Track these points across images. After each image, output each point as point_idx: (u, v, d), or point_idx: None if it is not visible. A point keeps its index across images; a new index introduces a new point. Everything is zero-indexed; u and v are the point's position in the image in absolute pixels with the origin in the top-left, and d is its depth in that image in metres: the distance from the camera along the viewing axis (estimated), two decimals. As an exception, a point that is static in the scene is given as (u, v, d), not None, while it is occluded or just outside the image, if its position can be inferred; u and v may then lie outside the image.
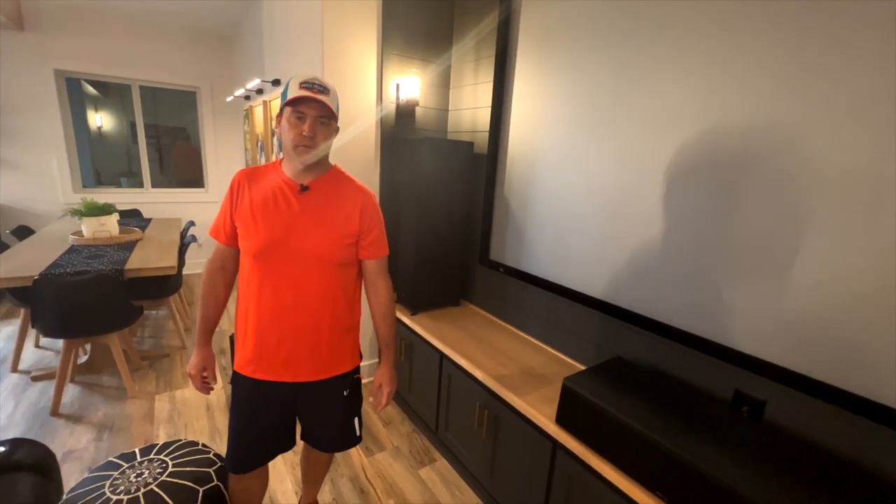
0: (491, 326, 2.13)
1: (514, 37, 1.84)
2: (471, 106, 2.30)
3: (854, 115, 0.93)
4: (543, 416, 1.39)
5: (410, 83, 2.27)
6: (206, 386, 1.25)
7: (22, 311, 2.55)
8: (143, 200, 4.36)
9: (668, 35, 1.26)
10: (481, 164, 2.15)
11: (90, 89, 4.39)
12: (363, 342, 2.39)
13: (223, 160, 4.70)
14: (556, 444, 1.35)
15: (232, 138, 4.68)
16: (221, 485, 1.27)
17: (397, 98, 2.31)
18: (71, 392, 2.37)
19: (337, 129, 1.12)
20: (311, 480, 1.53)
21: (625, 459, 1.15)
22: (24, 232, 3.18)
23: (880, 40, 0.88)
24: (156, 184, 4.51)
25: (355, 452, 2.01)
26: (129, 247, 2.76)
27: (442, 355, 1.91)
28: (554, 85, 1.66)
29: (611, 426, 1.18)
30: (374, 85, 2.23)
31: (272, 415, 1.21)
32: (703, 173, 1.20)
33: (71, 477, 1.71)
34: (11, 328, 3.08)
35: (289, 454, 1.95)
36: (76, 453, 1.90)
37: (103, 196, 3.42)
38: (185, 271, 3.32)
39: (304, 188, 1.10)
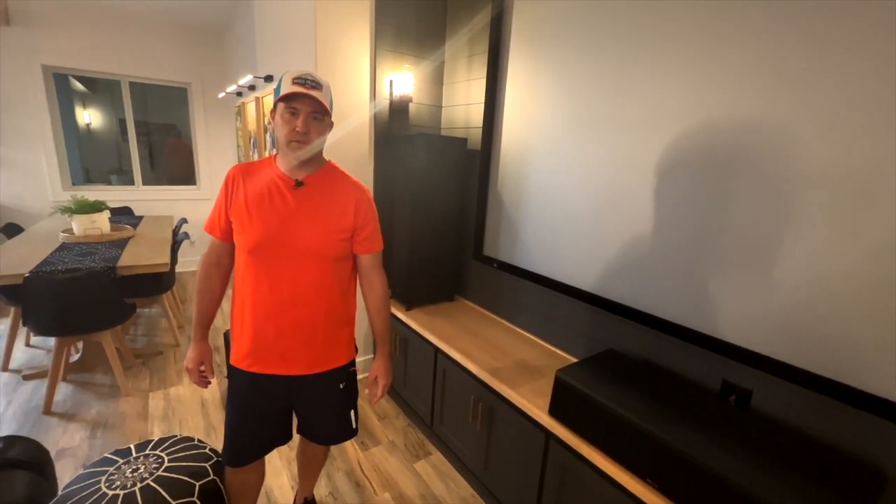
0: (485, 321, 2.15)
1: (507, 33, 1.85)
2: (464, 102, 2.31)
3: (841, 112, 0.95)
4: (537, 407, 1.41)
5: (404, 79, 2.27)
6: (203, 380, 1.26)
7: (12, 309, 2.53)
8: (134, 198, 4.31)
9: (658, 32, 1.28)
10: (475, 160, 2.16)
11: (78, 85, 4.32)
12: (358, 337, 2.40)
13: (215, 157, 4.66)
14: (549, 434, 1.37)
15: (224, 135, 4.64)
16: (218, 479, 1.27)
17: (391, 94, 2.31)
18: (63, 390, 2.35)
19: (331, 125, 1.12)
20: (307, 474, 1.54)
21: (616, 449, 1.17)
22: (13, 230, 3.14)
23: (867, 39, 0.91)
24: (147, 181, 4.46)
25: (351, 447, 2.03)
26: (121, 244, 2.74)
27: (437, 350, 1.93)
28: (546, 81, 1.68)
29: (602, 417, 1.20)
30: (367, 81, 2.23)
31: (269, 408, 1.22)
32: (691, 168, 1.23)
33: (65, 474, 1.71)
34: (1, 327, 3.05)
35: (284, 449, 1.96)
36: (70, 451, 1.89)
37: (93, 193, 3.38)
38: (177, 269, 3.30)
39: (298, 183, 1.11)
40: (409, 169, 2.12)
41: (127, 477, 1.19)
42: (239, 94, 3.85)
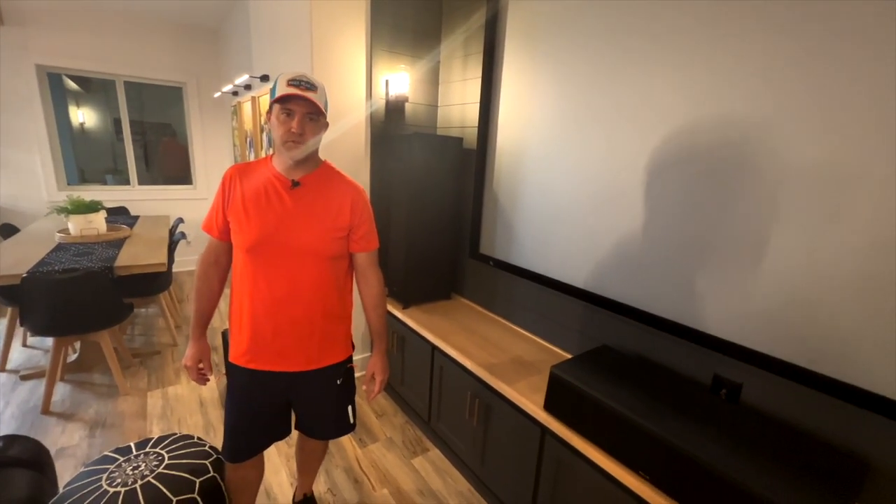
0: (481, 318, 2.17)
1: (502, 34, 1.87)
2: (460, 102, 2.32)
3: (828, 112, 0.98)
4: (532, 403, 1.43)
5: (400, 79, 2.28)
6: (202, 377, 1.28)
7: (9, 309, 2.53)
8: (130, 198, 4.30)
9: (651, 32, 1.30)
10: (470, 160, 2.18)
11: (71, 84, 4.30)
12: (356, 336, 2.42)
13: (211, 156, 4.66)
14: (544, 429, 1.39)
15: (220, 134, 4.64)
16: (218, 476, 1.29)
17: (387, 94, 2.32)
18: (61, 390, 2.36)
19: (326, 125, 1.14)
20: (306, 470, 1.56)
21: (610, 442, 1.20)
22: (8, 230, 3.14)
23: (855, 40, 0.93)
24: (142, 181, 4.45)
25: (349, 444, 2.04)
26: (118, 244, 2.74)
27: (434, 347, 1.95)
28: (541, 81, 1.70)
29: (596, 411, 1.23)
30: (363, 81, 2.24)
31: (267, 404, 1.24)
32: (683, 167, 1.25)
33: (65, 473, 1.72)
34: (-3, 328, 3.05)
35: (283, 446, 1.97)
36: (69, 450, 1.90)
37: (89, 193, 3.37)
38: (174, 269, 3.31)
39: (295, 184, 1.13)
40: (406, 168, 2.14)
41: (128, 474, 1.20)
42: (235, 93, 3.85)
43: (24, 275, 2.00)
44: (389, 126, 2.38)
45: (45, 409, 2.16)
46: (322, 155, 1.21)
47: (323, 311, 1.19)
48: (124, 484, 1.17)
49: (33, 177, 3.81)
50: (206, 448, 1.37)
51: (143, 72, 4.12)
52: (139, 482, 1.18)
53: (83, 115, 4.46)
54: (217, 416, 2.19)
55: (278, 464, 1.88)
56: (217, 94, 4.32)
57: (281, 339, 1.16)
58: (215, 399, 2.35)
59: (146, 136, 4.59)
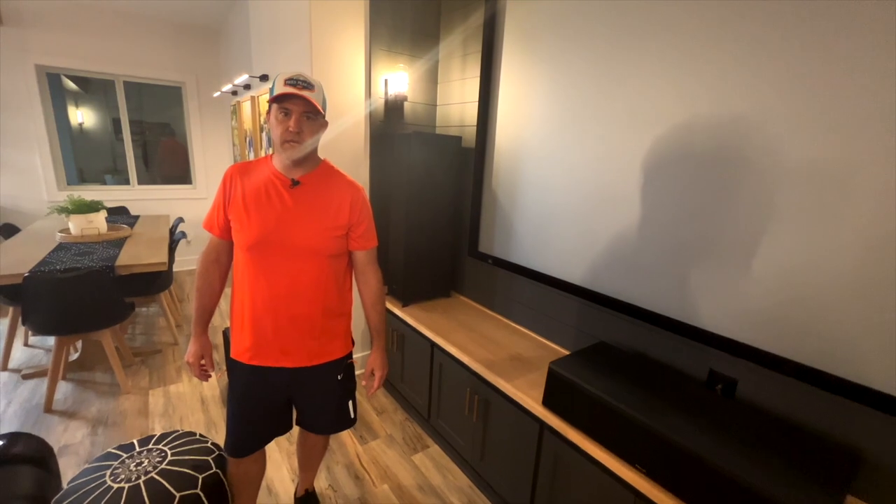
0: (480, 316, 2.19)
1: (500, 33, 1.88)
2: (458, 101, 2.33)
3: (823, 112, 0.99)
4: (531, 399, 1.45)
5: (399, 78, 2.29)
6: (203, 373, 1.29)
7: (10, 309, 2.54)
8: (130, 198, 4.31)
9: (648, 33, 1.31)
10: (469, 158, 2.19)
11: (70, 84, 4.30)
12: (356, 334, 2.43)
13: (210, 156, 4.66)
14: (542, 425, 1.41)
15: (219, 134, 4.65)
16: (220, 472, 1.31)
17: (386, 93, 2.33)
18: (63, 389, 2.37)
19: (324, 124, 1.15)
20: (307, 466, 1.57)
21: (607, 436, 1.22)
22: (9, 230, 3.15)
23: (854, 40, 0.94)
24: (142, 180, 4.46)
25: (350, 441, 2.06)
26: (119, 244, 2.75)
27: (433, 345, 1.97)
28: (539, 81, 1.71)
29: (594, 406, 1.24)
30: (362, 80, 2.25)
31: (269, 399, 1.25)
32: (681, 165, 1.26)
33: (68, 471, 1.73)
34: (0, 327, 3.06)
35: (284, 443, 1.99)
36: (72, 448, 1.92)
37: (89, 193, 3.39)
38: (174, 268, 3.32)
39: (294, 183, 1.14)
40: (405, 167, 2.15)
41: (131, 470, 1.22)
42: (234, 93, 3.86)
43: (26, 274, 2.01)
44: (388, 125, 2.39)
45: (48, 408, 2.17)
46: (321, 154, 1.22)
47: (323, 308, 1.20)
48: (128, 480, 1.18)
49: (33, 177, 3.82)
50: (209, 444, 1.38)
51: (142, 71, 4.12)
52: (142, 478, 1.19)
53: (82, 115, 4.46)
54: (218, 414, 2.21)
55: (280, 460, 1.90)
56: (216, 94, 4.33)
57: (282, 336, 1.18)
58: (216, 397, 2.37)
59: (146, 136, 4.60)
